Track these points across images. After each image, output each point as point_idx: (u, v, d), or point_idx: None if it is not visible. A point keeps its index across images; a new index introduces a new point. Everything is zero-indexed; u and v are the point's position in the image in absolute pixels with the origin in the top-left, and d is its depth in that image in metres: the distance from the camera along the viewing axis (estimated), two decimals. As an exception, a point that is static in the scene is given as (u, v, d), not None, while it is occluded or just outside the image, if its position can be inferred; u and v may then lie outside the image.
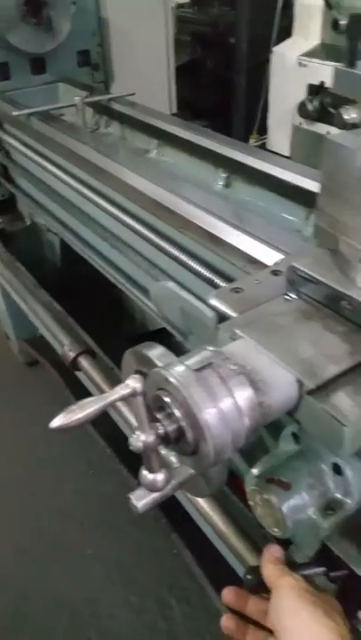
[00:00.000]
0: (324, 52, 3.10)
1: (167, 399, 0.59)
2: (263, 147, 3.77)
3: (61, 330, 1.60)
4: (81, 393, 1.85)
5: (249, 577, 0.70)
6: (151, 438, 0.57)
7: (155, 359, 0.78)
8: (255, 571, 0.69)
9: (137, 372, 0.88)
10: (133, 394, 0.55)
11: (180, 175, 1.76)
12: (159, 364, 0.78)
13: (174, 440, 0.59)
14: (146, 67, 2.66)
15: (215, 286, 1.18)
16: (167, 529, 1.61)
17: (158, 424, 0.59)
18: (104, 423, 1.72)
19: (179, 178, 1.72)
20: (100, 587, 1.89)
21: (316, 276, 0.74)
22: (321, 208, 0.82)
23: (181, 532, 1.59)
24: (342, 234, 0.75)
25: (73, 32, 2.17)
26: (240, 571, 1.16)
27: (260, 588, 0.67)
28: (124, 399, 0.55)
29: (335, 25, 2.80)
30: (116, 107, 2.05)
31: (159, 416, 0.59)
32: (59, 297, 2.06)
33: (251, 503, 0.69)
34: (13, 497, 2.25)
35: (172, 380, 0.58)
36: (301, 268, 0.76)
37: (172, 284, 0.83)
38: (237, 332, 0.70)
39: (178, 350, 0.68)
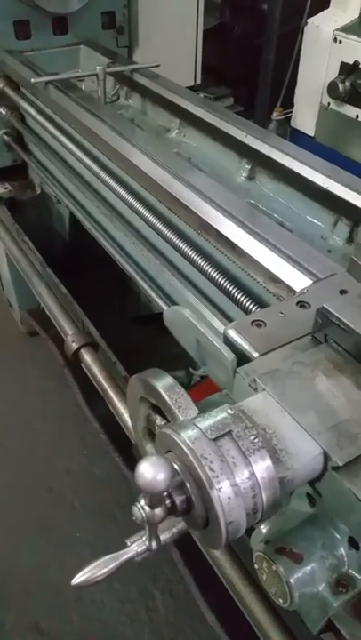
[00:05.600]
0: (363, 28, 2.91)
1: (177, 466, 0.53)
2: (287, 121, 3.61)
3: (66, 317, 1.53)
4: (79, 373, 1.79)
5: None
6: (159, 512, 0.52)
7: (162, 391, 0.73)
8: None
9: (142, 399, 0.83)
10: (148, 549, 0.53)
11: (202, 160, 1.66)
12: (166, 397, 0.73)
13: (182, 512, 0.54)
14: (172, 31, 2.49)
15: (229, 295, 1.11)
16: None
17: (165, 494, 0.53)
18: (99, 406, 1.67)
19: (199, 164, 1.62)
20: (85, 571, 1.88)
21: (350, 325, 0.67)
22: None
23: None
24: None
25: (99, -10, 2.02)
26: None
27: None
28: (139, 555, 0.53)
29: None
30: (139, 78, 1.92)
31: (167, 484, 0.54)
32: (64, 271, 1.98)
33: (256, 566, 0.64)
34: (6, 470, 2.24)
35: (184, 448, 0.52)
36: (333, 312, 0.69)
37: (188, 312, 0.76)
38: (259, 382, 0.64)
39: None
